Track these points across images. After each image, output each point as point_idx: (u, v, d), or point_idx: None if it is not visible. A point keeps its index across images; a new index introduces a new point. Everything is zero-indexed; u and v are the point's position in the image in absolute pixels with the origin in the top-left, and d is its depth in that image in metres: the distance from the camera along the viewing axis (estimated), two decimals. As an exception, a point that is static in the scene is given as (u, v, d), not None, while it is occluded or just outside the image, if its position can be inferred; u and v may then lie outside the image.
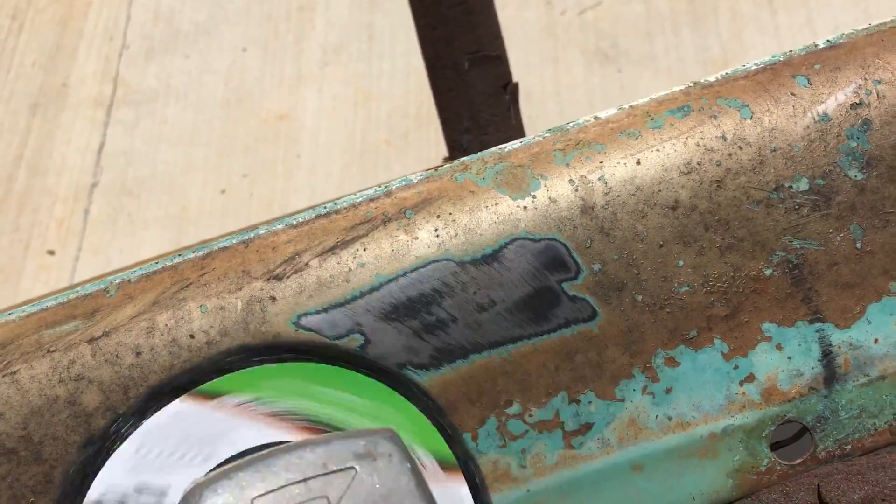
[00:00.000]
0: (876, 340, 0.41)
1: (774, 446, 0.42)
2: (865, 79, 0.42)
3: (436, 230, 0.41)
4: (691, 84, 0.43)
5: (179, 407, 0.37)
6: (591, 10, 2.03)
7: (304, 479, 0.28)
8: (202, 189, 1.88)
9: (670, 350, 0.41)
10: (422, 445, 0.37)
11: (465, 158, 0.43)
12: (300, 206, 1.83)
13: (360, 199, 0.42)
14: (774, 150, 0.41)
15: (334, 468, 0.28)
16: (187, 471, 0.37)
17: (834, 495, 0.39)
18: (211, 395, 0.38)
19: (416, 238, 0.41)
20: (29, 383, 0.39)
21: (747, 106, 0.42)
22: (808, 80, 0.42)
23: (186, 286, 0.40)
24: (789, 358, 0.41)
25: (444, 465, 0.38)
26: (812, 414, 0.41)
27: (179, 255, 0.42)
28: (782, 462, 0.41)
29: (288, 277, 0.40)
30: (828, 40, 0.44)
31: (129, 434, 0.37)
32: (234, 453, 0.37)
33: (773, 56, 0.43)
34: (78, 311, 0.40)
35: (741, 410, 0.41)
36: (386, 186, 0.43)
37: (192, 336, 0.39)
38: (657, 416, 0.41)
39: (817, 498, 0.39)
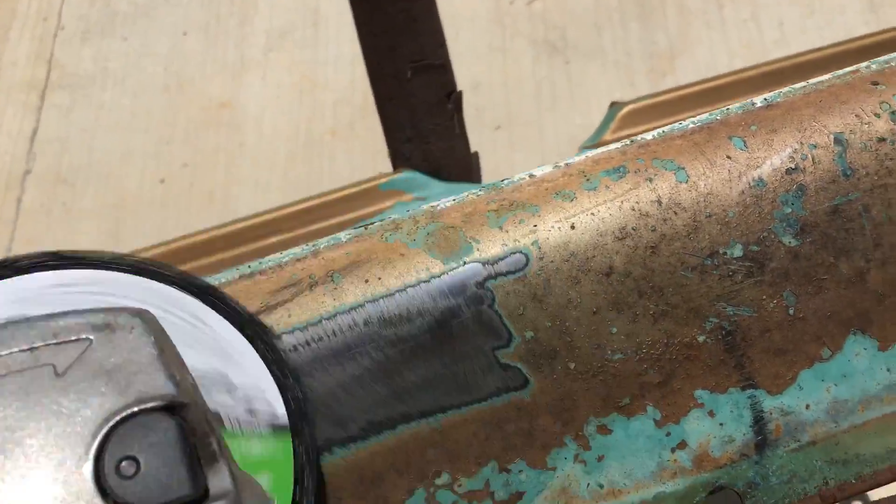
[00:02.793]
0: (807, 406, 0.41)
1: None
2: (801, 143, 0.41)
3: (363, 296, 0.39)
4: (628, 142, 0.42)
5: None
6: (541, 0, 2.02)
7: (31, 348, 0.26)
8: (141, 178, 1.83)
9: (603, 418, 0.40)
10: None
11: (395, 217, 0.42)
12: (242, 197, 1.79)
13: (287, 258, 0.41)
14: (709, 216, 0.40)
15: (67, 338, 0.27)
16: None
17: (762, 566, 0.39)
18: None
19: (344, 304, 0.39)
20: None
21: (683, 168, 0.41)
22: (745, 142, 0.42)
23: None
24: (721, 424, 0.41)
25: None
26: (743, 480, 0.41)
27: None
28: (712, 529, 0.41)
29: (208, 346, 0.38)
30: (765, 98, 0.43)
31: None
32: None
33: (711, 114, 0.43)
34: None
35: (673, 478, 0.40)
36: (314, 245, 0.41)
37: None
38: (589, 484, 0.40)
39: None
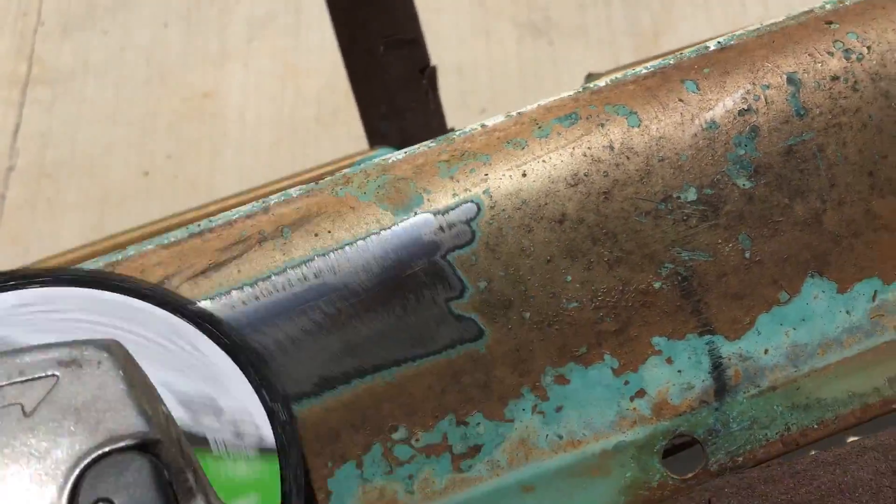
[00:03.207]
0: (766, 351, 0.41)
1: (666, 453, 0.41)
2: (754, 83, 0.41)
3: (313, 250, 0.39)
4: (581, 90, 0.42)
5: None
6: (522, -19, 2.00)
7: None
8: (124, 171, 1.82)
9: (560, 368, 0.40)
10: None
11: (347, 171, 0.41)
12: (227, 187, 1.78)
13: (237, 215, 0.40)
14: (662, 160, 0.40)
15: (33, 375, 0.26)
16: None
17: (723, 511, 0.38)
18: None
19: (293, 259, 0.39)
20: None
21: (635, 113, 0.40)
22: (697, 85, 0.41)
23: (47, 316, 0.37)
24: (679, 371, 0.40)
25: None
26: (703, 427, 0.41)
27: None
28: (674, 477, 0.40)
29: (156, 304, 0.38)
30: (718, 42, 0.42)
31: None
32: None
33: (665, 59, 0.42)
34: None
35: (632, 426, 0.40)
36: (264, 202, 0.41)
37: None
38: (547, 435, 0.40)
39: (708, 513, 0.39)
